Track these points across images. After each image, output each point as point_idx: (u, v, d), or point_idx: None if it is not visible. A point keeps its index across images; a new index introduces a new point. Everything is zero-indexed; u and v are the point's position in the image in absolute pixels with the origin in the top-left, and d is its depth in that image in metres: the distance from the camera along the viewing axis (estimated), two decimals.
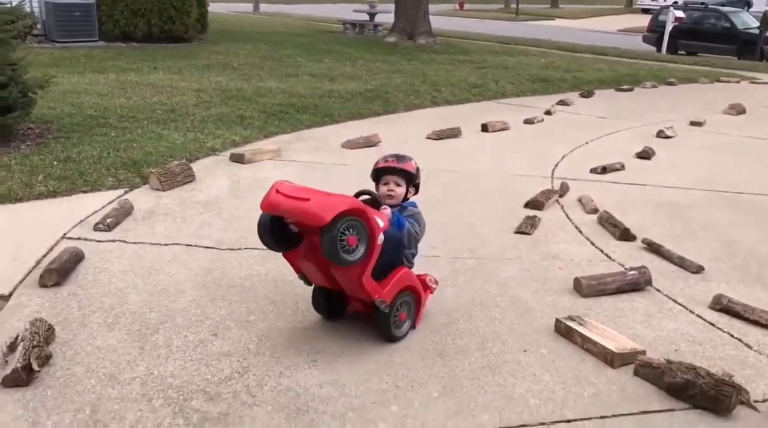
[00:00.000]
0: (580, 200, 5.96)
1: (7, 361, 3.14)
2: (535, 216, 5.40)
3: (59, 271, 4.01)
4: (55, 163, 6.29)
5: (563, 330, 3.62)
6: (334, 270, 3.20)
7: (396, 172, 3.53)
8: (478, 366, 3.36)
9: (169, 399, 3.03)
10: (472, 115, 10.40)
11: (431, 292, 3.75)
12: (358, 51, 16.96)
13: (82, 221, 5.04)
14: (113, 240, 4.72)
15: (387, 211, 3.34)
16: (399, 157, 3.57)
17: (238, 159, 6.85)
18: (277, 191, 3.09)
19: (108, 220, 4.94)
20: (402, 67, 14.62)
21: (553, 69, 15.76)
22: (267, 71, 12.92)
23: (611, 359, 3.35)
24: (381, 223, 3.14)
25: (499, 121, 9.36)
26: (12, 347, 3.18)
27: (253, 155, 6.92)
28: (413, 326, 3.59)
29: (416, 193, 3.67)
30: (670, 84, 15.04)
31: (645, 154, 7.92)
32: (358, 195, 3.40)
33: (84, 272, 4.21)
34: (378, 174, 3.58)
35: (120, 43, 15.78)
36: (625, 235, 5.08)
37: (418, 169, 3.60)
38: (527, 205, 5.78)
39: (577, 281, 4.17)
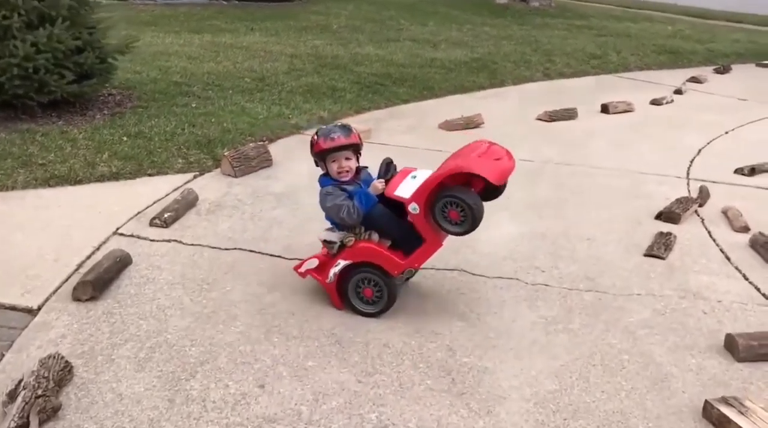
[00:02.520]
0: (725, 213, 4.88)
1: (5, 412, 2.56)
2: (669, 234, 4.40)
3: (95, 284, 3.43)
4: (124, 138, 5.78)
5: (715, 419, 2.70)
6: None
7: (344, 147, 3.35)
8: None
9: None
10: (590, 91, 9.25)
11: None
12: (466, 13, 15.83)
13: (140, 213, 4.47)
14: (168, 240, 4.12)
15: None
16: (343, 130, 3.37)
17: None
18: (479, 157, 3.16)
19: (167, 215, 4.33)
20: (512, 32, 13.45)
21: (681, 38, 14.14)
22: (366, 35, 12.10)
23: None
24: None
25: (622, 101, 8.20)
26: (12, 395, 2.60)
27: None
28: None
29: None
30: None
31: None
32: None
33: (127, 282, 3.62)
34: (324, 154, 3.36)
35: (222, 0, 15.38)
36: None
37: (359, 135, 3.44)
38: (659, 217, 4.76)
39: (730, 339, 3.21)
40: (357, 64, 9.50)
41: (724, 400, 2.74)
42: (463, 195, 3.06)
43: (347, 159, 3.39)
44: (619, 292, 3.73)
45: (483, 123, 7.03)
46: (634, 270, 3.99)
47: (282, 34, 11.71)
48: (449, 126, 6.86)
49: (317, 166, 3.49)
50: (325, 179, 3.43)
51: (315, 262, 3.45)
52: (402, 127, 6.91)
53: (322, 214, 3.40)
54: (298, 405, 2.74)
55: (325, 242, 3.40)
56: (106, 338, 3.13)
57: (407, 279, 3.63)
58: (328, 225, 3.44)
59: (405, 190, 3.18)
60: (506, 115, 7.61)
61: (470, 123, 6.95)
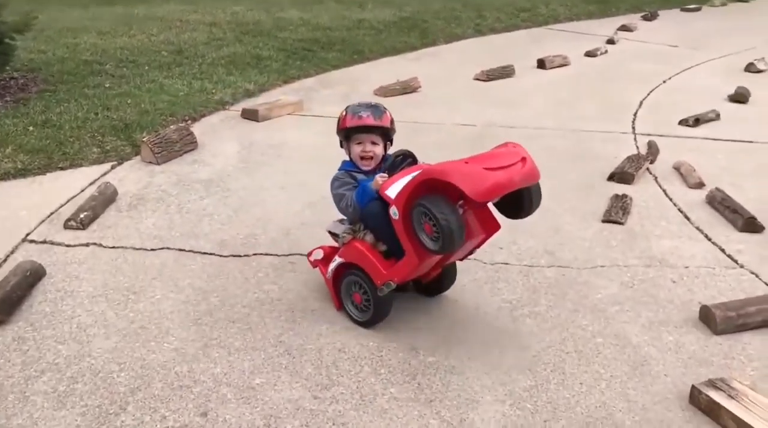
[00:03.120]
0: (678, 169, 4.72)
1: None
2: (625, 196, 4.20)
3: (1, 306, 2.98)
4: (30, 128, 5.21)
5: (704, 405, 2.50)
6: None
7: (372, 129, 2.92)
8: None
9: None
10: (524, 45, 9.04)
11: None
12: None
13: (52, 214, 4.00)
14: (87, 244, 3.67)
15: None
16: (374, 110, 2.94)
17: (251, 115, 5.70)
18: (485, 168, 2.49)
19: (83, 214, 3.88)
20: None
21: None
22: None
23: None
24: None
25: (558, 55, 8.00)
26: None
27: (270, 110, 5.76)
28: None
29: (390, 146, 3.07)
30: (743, 0, 13.29)
31: (740, 97, 6.55)
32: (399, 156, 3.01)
33: (41, 298, 3.18)
34: (349, 133, 2.95)
35: None
36: (751, 225, 3.87)
37: (392, 120, 3.00)
38: (612, 178, 4.56)
39: (705, 311, 3.02)
40: (281, 30, 9.00)
41: (712, 384, 2.54)
42: (433, 205, 2.47)
43: (373, 143, 2.95)
44: (582, 265, 3.51)
45: (420, 87, 6.70)
46: (594, 240, 3.78)
47: (199, 2, 11.05)
48: (385, 92, 6.50)
49: (341, 146, 3.07)
50: (345, 163, 3.05)
51: (320, 253, 3.16)
52: (335, 95, 6.51)
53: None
54: None
55: (330, 233, 3.11)
56: (18, 371, 2.71)
57: (401, 290, 3.07)
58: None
59: (395, 189, 2.66)
60: (442, 77, 7.29)
61: (407, 87, 6.62)
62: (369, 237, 2.86)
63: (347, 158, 3.06)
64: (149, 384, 2.64)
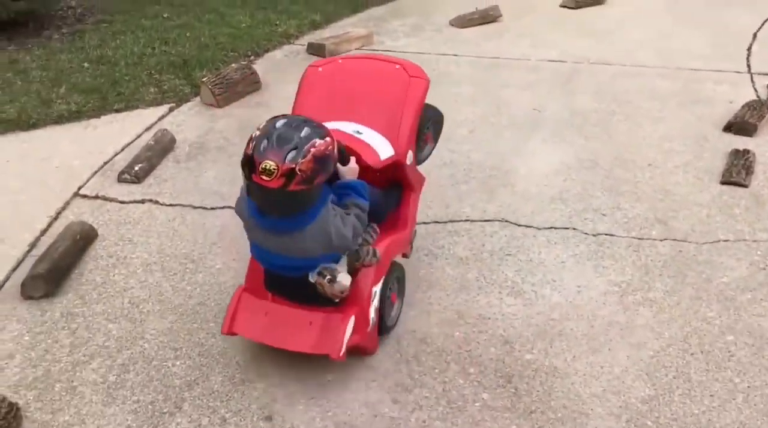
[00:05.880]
0: None
1: None
2: (747, 152, 3.62)
3: (47, 277, 2.71)
4: (85, 64, 4.90)
5: None
6: None
7: None
8: None
9: None
10: None
11: None
12: None
13: (105, 164, 3.70)
14: (142, 201, 3.37)
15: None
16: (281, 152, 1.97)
17: (317, 51, 5.23)
18: None
19: (138, 166, 3.57)
20: None
21: None
22: None
23: None
24: None
25: None
26: None
27: (337, 45, 5.28)
28: None
29: None
30: None
31: None
32: None
33: (92, 265, 2.91)
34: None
35: None
36: None
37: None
38: (729, 129, 3.96)
39: None
40: None
41: None
42: (434, 108, 2.74)
43: None
44: (702, 240, 3.01)
45: (501, 16, 6.06)
46: (713, 206, 3.25)
47: None
48: (462, 22, 5.90)
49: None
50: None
51: (353, 321, 2.24)
52: (407, 26, 5.95)
53: None
54: None
55: (344, 291, 2.18)
56: (66, 354, 2.45)
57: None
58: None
59: (382, 150, 2.36)
60: (525, 4, 6.59)
61: (486, 17, 5.98)
62: (377, 229, 2.38)
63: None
64: (208, 377, 2.34)
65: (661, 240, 3.00)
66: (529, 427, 2.13)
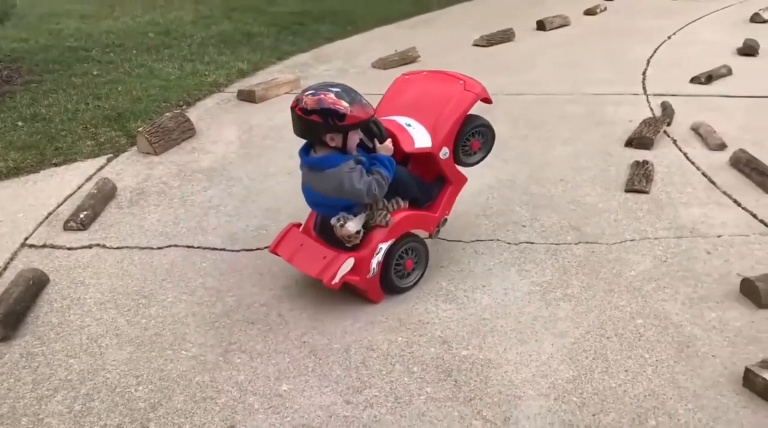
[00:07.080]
0: (696, 130, 4.54)
1: None
2: (646, 163, 4.03)
3: (4, 322, 2.82)
4: (19, 123, 5.01)
5: (760, 388, 2.36)
6: None
7: None
8: None
9: None
10: (521, 7, 8.80)
11: None
12: None
13: (50, 215, 3.82)
14: (89, 246, 3.50)
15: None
16: (355, 94, 2.71)
17: (248, 97, 5.49)
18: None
19: (83, 214, 3.70)
20: None
21: None
22: None
23: None
24: None
25: (557, 16, 7.77)
26: None
27: (266, 90, 5.55)
28: None
29: None
30: None
31: (749, 50, 6.35)
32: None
33: (47, 308, 3.02)
34: (355, 127, 2.71)
35: None
36: None
37: None
38: (630, 144, 4.39)
39: (748, 284, 2.87)
40: (270, 3, 8.74)
41: (764, 363, 2.40)
42: (484, 120, 3.09)
43: None
44: (611, 240, 3.36)
45: (419, 56, 6.48)
46: (620, 212, 3.62)
47: None
48: (384, 64, 6.28)
49: (320, 135, 2.69)
50: (337, 156, 2.71)
51: (351, 263, 2.76)
52: (332, 69, 6.30)
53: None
54: None
55: (354, 235, 2.77)
56: (29, 390, 2.56)
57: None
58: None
59: (420, 140, 2.90)
60: (441, 44, 7.07)
61: (406, 58, 6.40)
62: (402, 203, 2.91)
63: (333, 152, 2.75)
64: (170, 397, 2.49)
65: (575, 244, 3.33)
66: (470, 412, 2.36)
